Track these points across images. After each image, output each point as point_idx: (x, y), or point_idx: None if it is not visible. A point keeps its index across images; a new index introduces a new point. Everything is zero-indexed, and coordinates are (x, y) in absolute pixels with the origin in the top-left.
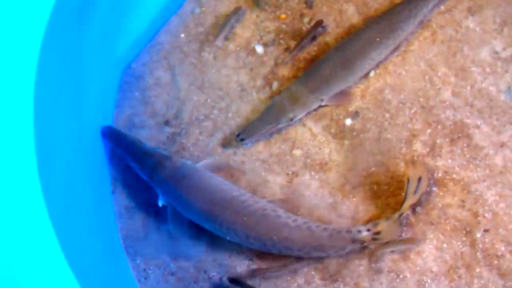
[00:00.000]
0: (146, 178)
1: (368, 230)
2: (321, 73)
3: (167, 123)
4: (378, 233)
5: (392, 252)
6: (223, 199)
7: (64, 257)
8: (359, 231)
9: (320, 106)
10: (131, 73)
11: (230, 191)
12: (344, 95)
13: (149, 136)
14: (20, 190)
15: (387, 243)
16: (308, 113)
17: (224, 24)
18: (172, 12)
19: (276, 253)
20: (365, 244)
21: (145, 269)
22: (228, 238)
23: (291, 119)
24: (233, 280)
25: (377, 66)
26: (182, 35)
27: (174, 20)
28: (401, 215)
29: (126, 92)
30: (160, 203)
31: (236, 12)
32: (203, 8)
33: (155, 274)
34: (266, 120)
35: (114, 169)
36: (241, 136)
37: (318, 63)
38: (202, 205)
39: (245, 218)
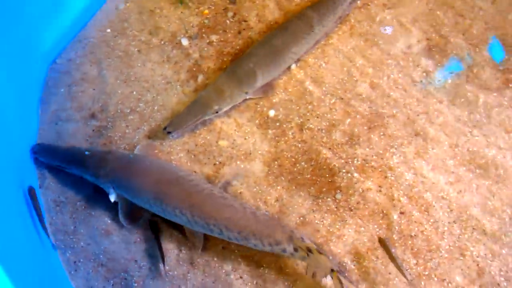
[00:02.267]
0: (93, 180)
1: (307, 247)
2: (246, 67)
3: (93, 116)
4: (309, 255)
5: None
6: (169, 178)
7: None
8: (301, 238)
9: (245, 99)
10: (56, 69)
11: (176, 171)
12: (267, 88)
13: (75, 130)
14: None
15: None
16: (234, 105)
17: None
18: (97, 7)
19: (217, 234)
20: (296, 251)
21: (75, 262)
22: (174, 218)
23: (217, 112)
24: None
25: (298, 59)
26: (108, 30)
27: (100, 15)
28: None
29: (52, 88)
30: (112, 198)
31: None
32: (128, 4)
33: (85, 266)
34: (192, 113)
35: (41, 164)
36: (168, 129)
37: (243, 57)
38: (149, 187)
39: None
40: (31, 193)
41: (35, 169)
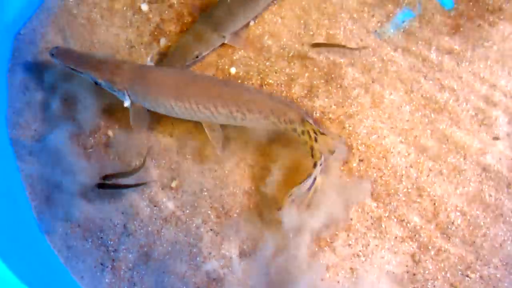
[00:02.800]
0: (106, 86)
1: (316, 130)
2: (221, 12)
3: (60, 83)
4: (316, 138)
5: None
6: (187, 79)
7: None
8: (311, 122)
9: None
10: (21, 39)
11: (191, 73)
12: (242, 39)
13: (43, 99)
14: None
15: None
16: (214, 49)
17: None
18: None
19: (240, 120)
20: (305, 133)
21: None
22: (197, 116)
23: (197, 57)
24: (101, 185)
25: (256, 16)
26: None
27: None
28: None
29: (18, 59)
30: (126, 104)
31: None
32: None
33: (63, 227)
34: (175, 60)
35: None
36: None
37: (218, 3)
38: (168, 90)
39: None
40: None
41: (10, 145)
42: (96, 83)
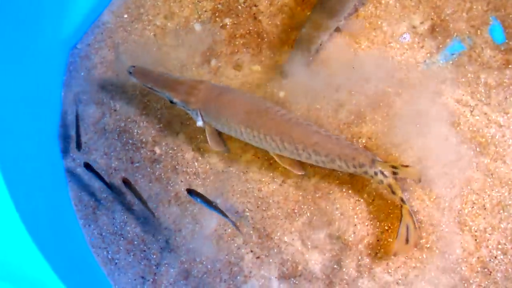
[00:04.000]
0: (181, 105)
1: (390, 166)
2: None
3: (112, 98)
4: (395, 173)
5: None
6: (259, 109)
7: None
8: (380, 161)
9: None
10: (76, 54)
11: (264, 103)
12: (356, 25)
13: (95, 112)
14: None
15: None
16: (331, 35)
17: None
18: None
19: (305, 159)
20: (378, 173)
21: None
22: (263, 145)
23: (320, 44)
24: (191, 191)
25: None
26: (125, 16)
27: (116, 1)
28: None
29: (73, 72)
30: (199, 124)
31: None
32: None
33: (107, 240)
34: (301, 52)
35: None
36: (284, 73)
37: None
38: (240, 116)
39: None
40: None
41: (61, 158)
42: (171, 102)
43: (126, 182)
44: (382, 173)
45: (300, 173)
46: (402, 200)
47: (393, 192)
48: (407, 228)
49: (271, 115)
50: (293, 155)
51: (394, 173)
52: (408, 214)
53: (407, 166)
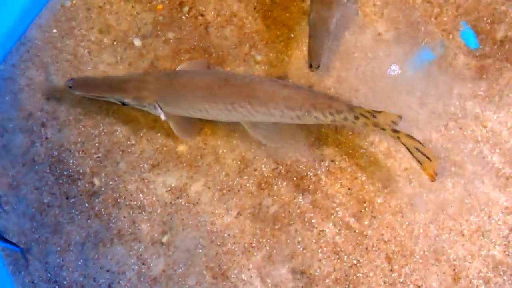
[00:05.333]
0: (135, 104)
1: (367, 112)
2: None
3: (43, 125)
4: (374, 116)
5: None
6: (217, 80)
7: None
8: (357, 106)
9: None
10: (0, 75)
11: (219, 73)
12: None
13: (23, 142)
14: None
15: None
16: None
17: None
18: (41, 5)
19: (279, 117)
20: (358, 116)
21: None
22: (233, 116)
23: (335, 23)
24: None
25: None
26: (55, 30)
27: (44, 14)
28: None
29: None
30: (163, 117)
31: None
32: (74, 1)
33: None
34: (320, 39)
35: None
36: (314, 64)
37: None
38: (200, 94)
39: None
40: None
41: None
42: (123, 103)
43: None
44: (363, 115)
45: (279, 145)
46: (395, 131)
47: (383, 129)
48: (418, 150)
49: (232, 82)
50: (266, 117)
51: (373, 117)
52: (409, 138)
53: (382, 111)
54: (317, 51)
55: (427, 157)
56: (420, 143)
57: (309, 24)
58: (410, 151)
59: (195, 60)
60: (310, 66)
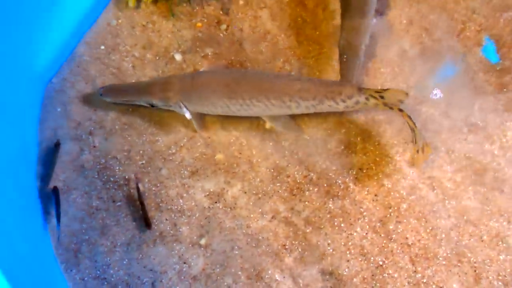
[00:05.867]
0: (162, 105)
1: (376, 92)
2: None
3: (90, 134)
4: (382, 96)
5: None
6: (235, 78)
7: None
8: (366, 88)
9: None
10: (52, 88)
11: (236, 71)
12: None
13: (75, 150)
14: None
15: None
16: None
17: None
18: (89, 25)
19: (295, 109)
20: (369, 98)
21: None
22: (252, 111)
23: (365, 48)
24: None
25: None
26: (102, 47)
27: (92, 32)
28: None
29: (48, 107)
30: (188, 116)
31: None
32: (120, 20)
33: (90, 284)
34: (351, 65)
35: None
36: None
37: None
38: (220, 91)
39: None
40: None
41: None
42: (152, 105)
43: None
44: (373, 96)
45: (298, 133)
46: (400, 110)
47: (391, 108)
48: (413, 131)
49: (248, 79)
50: (283, 110)
51: (382, 97)
52: (409, 118)
53: (388, 89)
54: (347, 77)
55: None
56: (415, 127)
57: (339, 50)
58: (411, 130)
59: (214, 65)
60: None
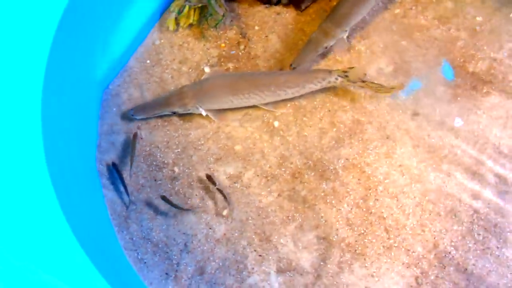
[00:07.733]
0: (183, 110)
1: (342, 71)
2: (341, 12)
3: (138, 128)
4: (347, 75)
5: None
6: (236, 79)
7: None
8: (334, 70)
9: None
10: (109, 92)
11: (235, 74)
12: (344, 44)
13: (126, 141)
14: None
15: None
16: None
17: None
18: (138, 43)
19: (284, 95)
20: (337, 77)
21: (130, 241)
22: (251, 102)
23: (325, 48)
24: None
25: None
26: (148, 61)
27: (140, 49)
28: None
29: (106, 107)
30: (203, 113)
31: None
32: (162, 40)
33: (138, 244)
34: (308, 51)
35: (103, 175)
36: (293, 65)
37: (337, 6)
38: (226, 90)
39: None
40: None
41: (98, 177)
42: (174, 113)
43: (114, 165)
44: (339, 76)
45: (280, 111)
46: (363, 81)
47: (354, 82)
48: (381, 86)
49: (245, 78)
50: (275, 98)
51: (346, 76)
52: (373, 83)
53: (352, 67)
54: (301, 58)
55: (386, 87)
56: (380, 84)
57: (308, 39)
58: (376, 91)
59: (214, 70)
60: (291, 65)
